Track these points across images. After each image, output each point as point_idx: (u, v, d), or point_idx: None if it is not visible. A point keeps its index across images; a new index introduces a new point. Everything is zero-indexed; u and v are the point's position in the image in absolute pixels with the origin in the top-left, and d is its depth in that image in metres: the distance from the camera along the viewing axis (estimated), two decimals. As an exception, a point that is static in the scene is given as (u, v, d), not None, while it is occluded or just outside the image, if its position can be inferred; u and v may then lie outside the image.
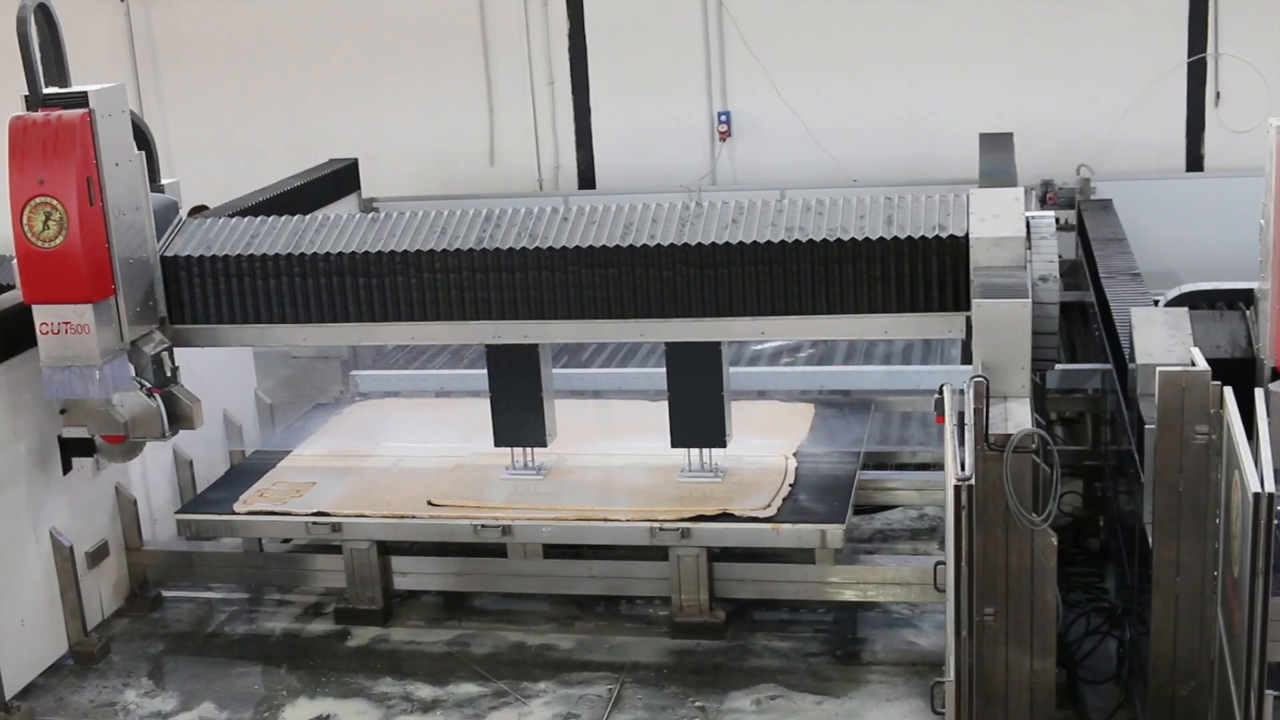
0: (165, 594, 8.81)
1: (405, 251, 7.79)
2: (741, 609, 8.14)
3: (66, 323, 7.58)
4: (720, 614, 7.98)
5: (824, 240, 7.40)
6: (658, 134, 12.87)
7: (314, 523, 8.29)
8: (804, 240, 7.42)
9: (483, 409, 9.08)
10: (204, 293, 8.08)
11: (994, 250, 7.06)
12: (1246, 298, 7.15)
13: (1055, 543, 5.96)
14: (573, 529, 8.05)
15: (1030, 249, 7.11)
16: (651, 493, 8.31)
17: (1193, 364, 6.01)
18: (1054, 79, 12.05)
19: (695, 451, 8.42)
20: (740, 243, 7.47)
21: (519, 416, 8.46)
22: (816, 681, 7.49)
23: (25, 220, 7.45)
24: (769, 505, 7.98)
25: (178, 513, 8.72)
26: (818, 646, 7.83)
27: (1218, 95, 11.92)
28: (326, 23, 13.37)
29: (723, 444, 8.33)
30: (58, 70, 7.72)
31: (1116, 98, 11.99)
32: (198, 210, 12.80)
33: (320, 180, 11.24)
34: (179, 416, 8.10)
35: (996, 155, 9.17)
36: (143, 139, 8.00)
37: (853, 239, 7.38)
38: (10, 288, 8.41)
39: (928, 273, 7.32)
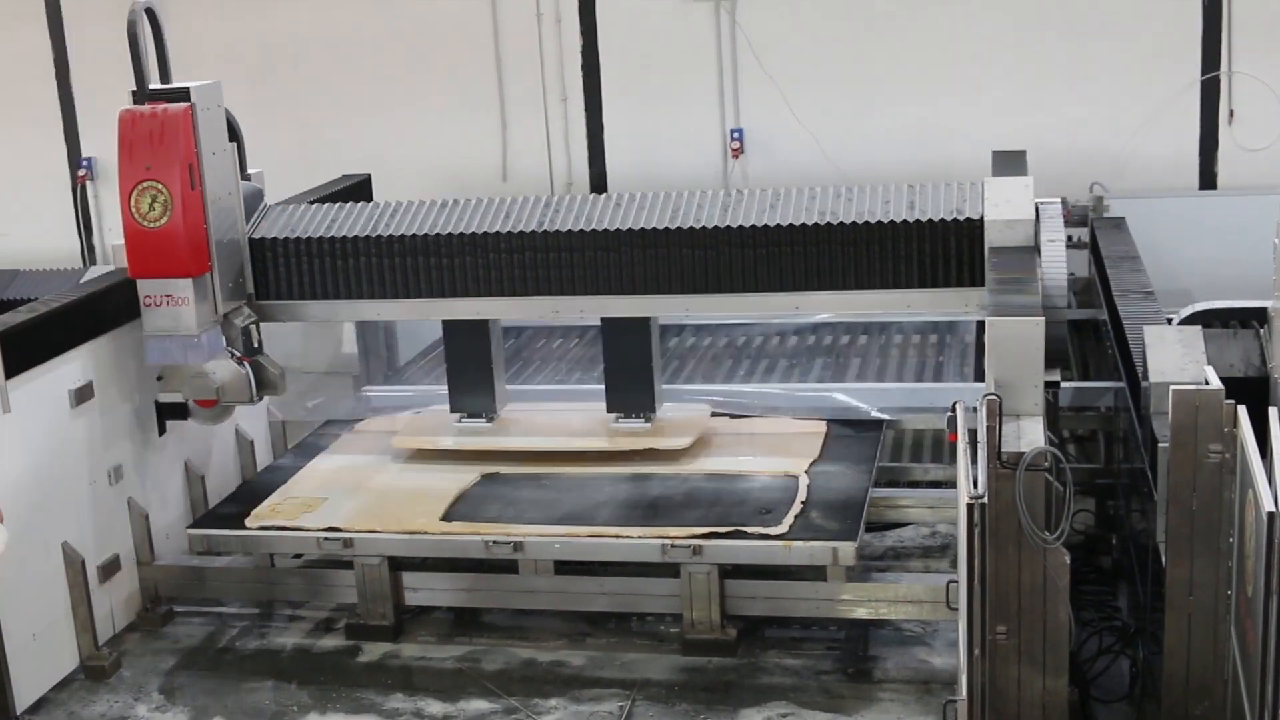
0: (177, 609, 8.82)
1: (473, 233, 8.50)
2: (753, 626, 8.13)
3: (169, 295, 8.29)
4: (731, 631, 7.97)
5: (853, 223, 8.14)
6: (670, 151, 12.87)
7: (325, 538, 8.29)
8: (835, 223, 8.14)
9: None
10: (287, 271, 8.81)
11: (1006, 231, 7.86)
12: (1260, 316, 7.13)
13: (1068, 561, 5.93)
14: (584, 546, 8.05)
15: (1038, 224, 7.86)
16: (585, 431, 9.20)
17: (1206, 383, 5.99)
18: (1067, 96, 12.03)
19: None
20: (778, 225, 8.19)
21: (473, 387, 9.45)
22: (828, 699, 7.48)
23: (133, 202, 8.16)
24: (692, 444, 8.90)
25: (189, 527, 8.73)
26: (829, 664, 7.82)
27: (1231, 113, 11.89)
28: (340, 39, 13.41)
29: (652, 410, 9.19)
30: (160, 67, 8.55)
31: (1130, 115, 11.97)
32: None
33: (334, 195, 11.21)
34: (265, 383, 8.82)
35: (1009, 173, 9.17)
36: (233, 132, 8.69)
37: (879, 221, 8.11)
38: (28, 300, 8.49)
39: (946, 252, 8.05)
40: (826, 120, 12.40)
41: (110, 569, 8.40)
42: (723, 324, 11.01)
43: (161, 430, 8.86)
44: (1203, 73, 11.86)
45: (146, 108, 8.21)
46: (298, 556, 8.79)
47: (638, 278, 8.40)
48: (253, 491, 9.04)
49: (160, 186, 8.12)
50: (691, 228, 8.28)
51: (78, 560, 7.99)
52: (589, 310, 8.61)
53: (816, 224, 8.17)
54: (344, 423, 10.20)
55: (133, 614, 8.66)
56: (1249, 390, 6.10)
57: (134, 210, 8.17)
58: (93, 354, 8.29)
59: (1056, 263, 7.57)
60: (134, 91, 8.33)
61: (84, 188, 14.30)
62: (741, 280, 8.29)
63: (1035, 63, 12.10)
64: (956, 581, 6.49)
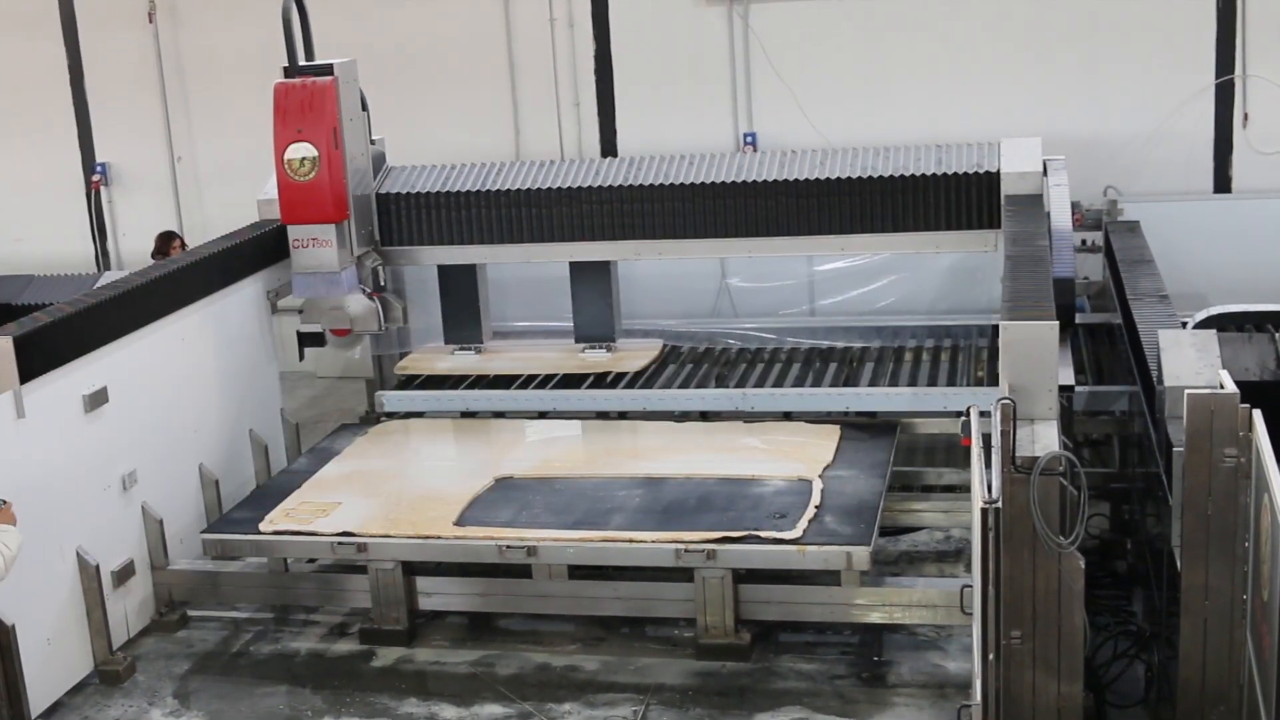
0: (191, 613, 8.83)
1: (595, 186, 10.12)
2: (767, 630, 8.12)
3: (314, 239, 9.65)
4: (745, 635, 7.96)
5: (891, 176, 9.67)
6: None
7: (339, 543, 8.29)
8: (875, 176, 9.69)
9: (509, 429, 9.07)
10: (408, 221, 10.39)
11: (1018, 181, 9.39)
12: (1275, 320, 7.11)
13: (1082, 566, 5.92)
14: (597, 550, 8.04)
15: (1046, 175, 9.31)
16: (557, 363, 10.42)
17: (1221, 386, 5.98)
18: (1081, 100, 12.01)
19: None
20: (827, 178, 9.75)
21: (465, 322, 10.83)
22: (842, 704, 7.47)
23: (286, 160, 9.47)
24: (645, 368, 10.23)
25: (204, 532, 8.73)
26: (844, 669, 7.81)
27: (1245, 117, 11.87)
28: (353, 45, 13.35)
29: (612, 339, 10.55)
30: (305, 47, 9.82)
31: (1144, 119, 11.95)
32: (168, 236, 12.92)
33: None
34: (390, 316, 10.27)
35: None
36: (364, 104, 10.05)
37: (913, 175, 9.64)
38: (42, 306, 8.49)
39: (969, 200, 9.56)
40: (839, 123, 12.39)
41: (124, 574, 8.42)
42: (735, 331, 11.03)
43: (301, 356, 10.42)
44: (1217, 76, 11.83)
45: (298, 80, 9.52)
46: (312, 561, 8.80)
47: (709, 224, 9.94)
48: (267, 496, 9.04)
49: (310, 146, 9.47)
50: (754, 181, 9.83)
51: (92, 565, 8.01)
52: (667, 253, 10.11)
53: (860, 177, 9.68)
54: (357, 426, 10.22)
55: (147, 618, 8.68)
56: (1264, 394, 6.08)
57: (287, 167, 9.50)
58: (107, 359, 8.31)
59: (1061, 203, 8.97)
60: (285, 67, 9.59)
61: (98, 193, 14.33)
62: (796, 225, 9.82)
63: (1049, 67, 12.08)
64: (971, 586, 6.48)
